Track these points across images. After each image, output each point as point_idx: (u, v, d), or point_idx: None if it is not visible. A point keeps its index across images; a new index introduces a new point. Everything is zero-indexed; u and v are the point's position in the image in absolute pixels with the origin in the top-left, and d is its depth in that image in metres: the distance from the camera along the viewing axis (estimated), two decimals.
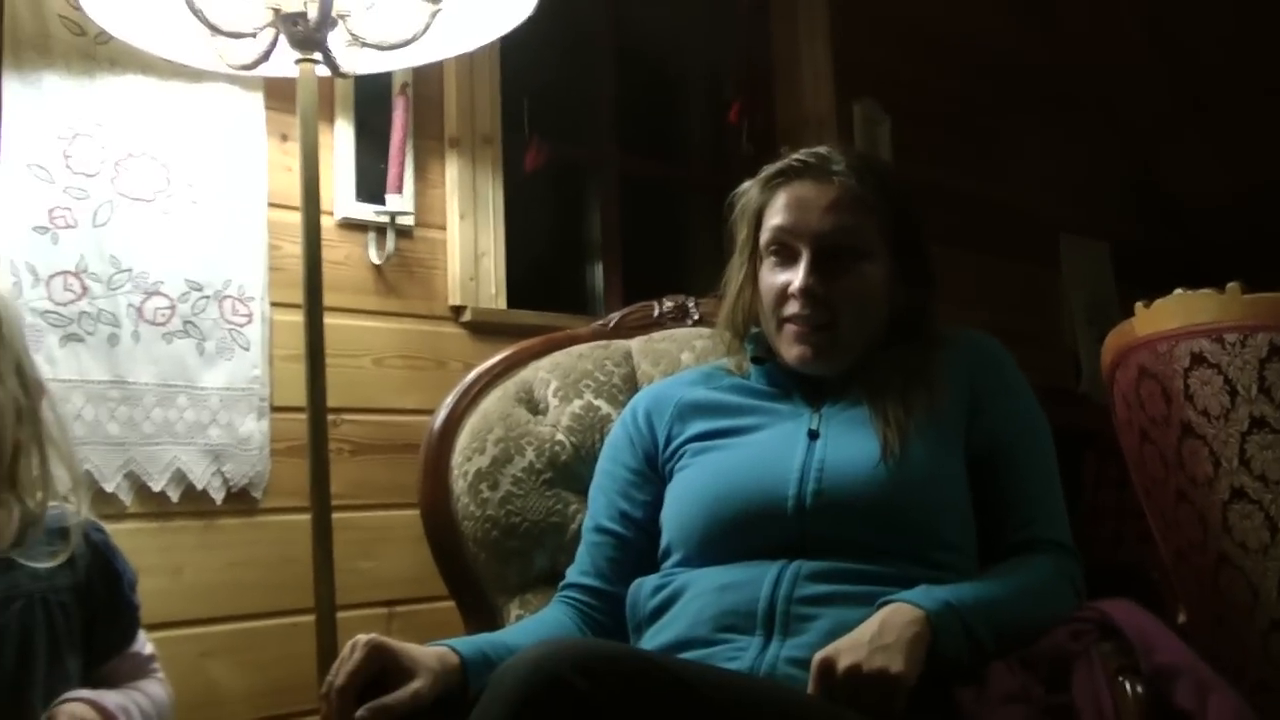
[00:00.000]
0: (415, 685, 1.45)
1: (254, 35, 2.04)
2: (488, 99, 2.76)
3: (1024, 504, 1.68)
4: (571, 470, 1.97)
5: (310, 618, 2.06)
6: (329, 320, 2.38)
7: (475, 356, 2.61)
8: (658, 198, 3.52)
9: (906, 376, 1.68)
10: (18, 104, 2.17)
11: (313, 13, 2.01)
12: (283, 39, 2.06)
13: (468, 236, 2.69)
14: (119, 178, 2.26)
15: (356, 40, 2.09)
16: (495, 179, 2.75)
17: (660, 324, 2.19)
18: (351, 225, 2.57)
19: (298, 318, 2.20)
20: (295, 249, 2.37)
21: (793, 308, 1.68)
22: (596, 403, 2.03)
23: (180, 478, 2.28)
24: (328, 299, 2.38)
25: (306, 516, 2.10)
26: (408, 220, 2.62)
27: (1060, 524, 1.69)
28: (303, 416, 2.14)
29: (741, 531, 1.63)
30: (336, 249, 2.52)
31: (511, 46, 2.59)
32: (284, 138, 2.47)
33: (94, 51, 2.24)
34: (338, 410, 2.45)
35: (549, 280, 3.04)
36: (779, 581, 1.55)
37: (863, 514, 1.59)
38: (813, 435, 1.67)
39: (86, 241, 2.21)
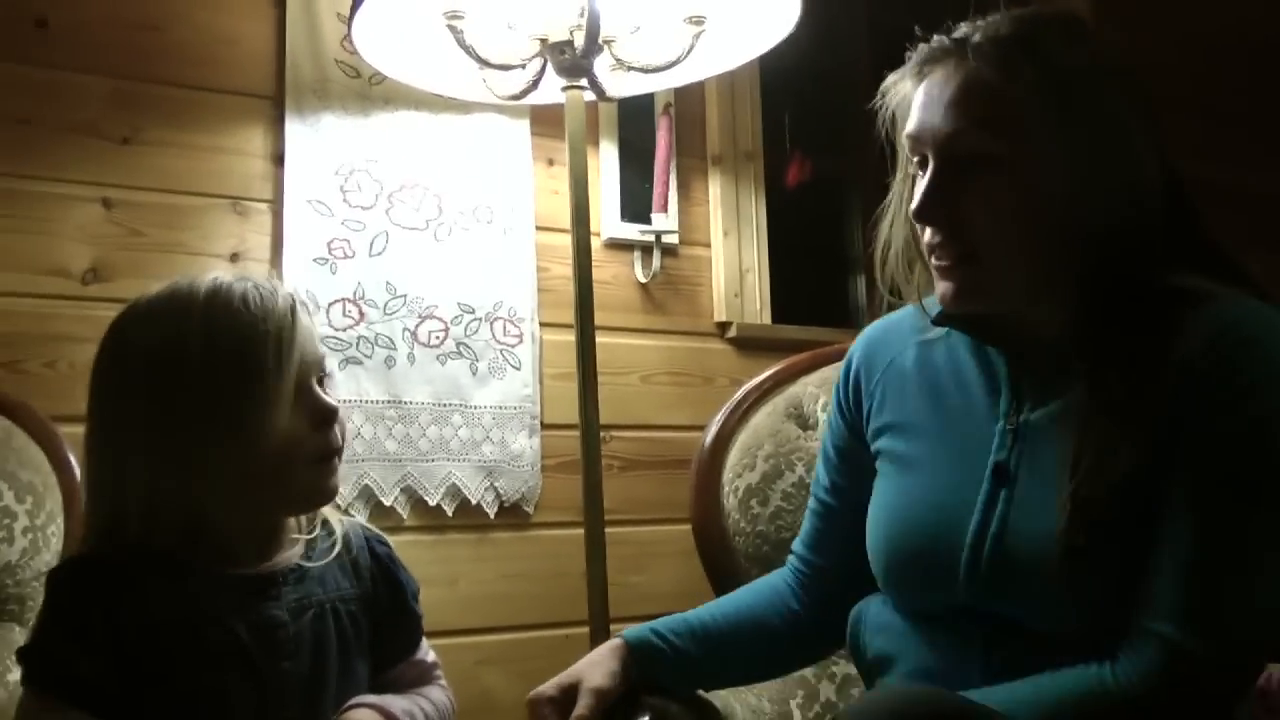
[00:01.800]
0: (592, 684, 1.42)
1: (522, 66, 2.11)
2: (749, 116, 2.77)
3: (1159, 577, 1.20)
4: None
5: (581, 629, 2.10)
6: (597, 339, 2.45)
7: (741, 372, 2.64)
8: None
9: (1128, 396, 1.24)
10: (299, 145, 2.30)
11: (579, 41, 2.05)
12: (549, 68, 2.11)
13: (732, 253, 2.71)
14: (393, 209, 2.36)
15: (621, 65, 2.13)
16: (758, 195, 2.76)
17: None
18: (618, 245, 2.62)
19: (567, 337, 2.28)
20: (563, 270, 2.45)
21: (926, 235, 1.35)
22: None
23: (455, 492, 2.37)
24: (595, 318, 2.45)
25: (577, 531, 2.15)
26: (673, 239, 2.65)
27: (1204, 617, 1.19)
28: (573, 433, 2.18)
29: (917, 588, 1.39)
30: (603, 269, 2.57)
31: (772, 62, 2.59)
32: (550, 162, 2.53)
33: (369, 92, 2.36)
34: (607, 427, 2.50)
35: (812, 294, 3.03)
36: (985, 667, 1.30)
37: (1038, 600, 1.27)
38: (999, 475, 1.32)
39: (363, 270, 2.32)
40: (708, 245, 2.72)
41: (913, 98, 1.35)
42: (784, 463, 1.96)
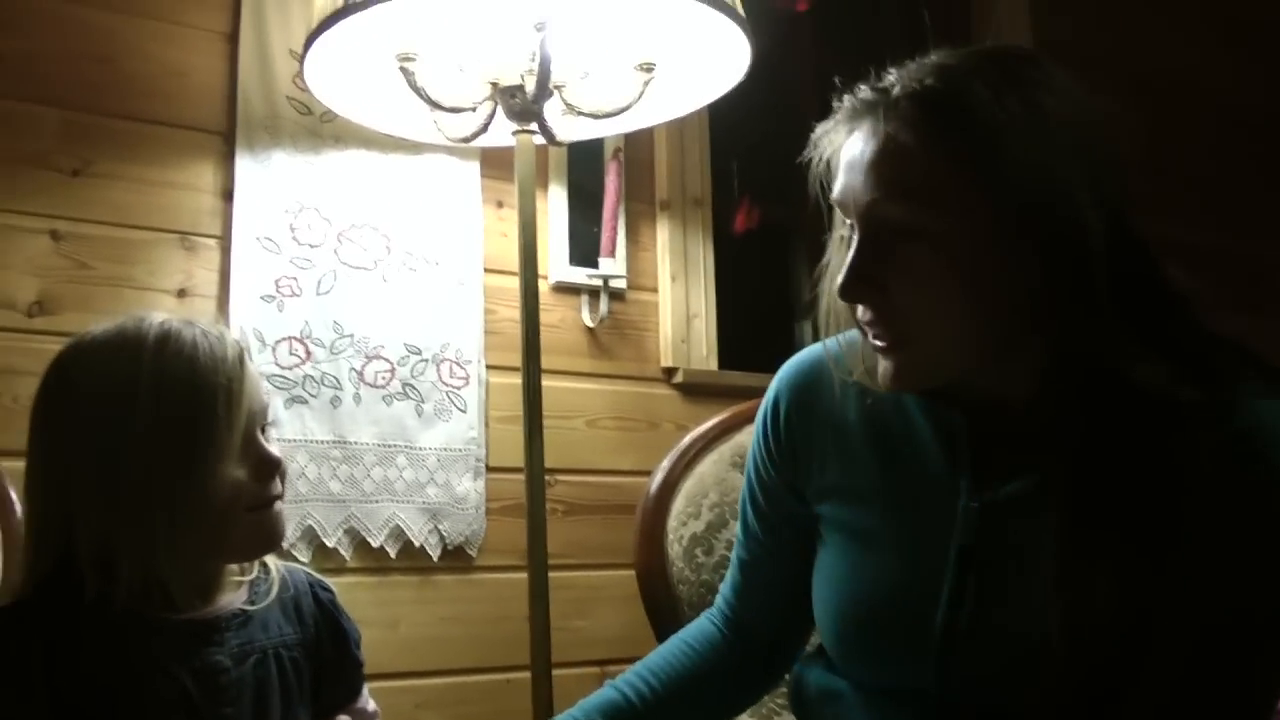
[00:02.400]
0: None
1: (473, 110, 2.11)
2: (698, 162, 2.80)
3: (1152, 679, 1.11)
4: None
5: (523, 674, 2.07)
6: (544, 382, 2.45)
7: (687, 418, 2.66)
8: None
9: (1122, 506, 1.10)
10: (249, 181, 2.29)
11: (530, 86, 2.05)
12: (500, 111, 2.12)
13: (679, 298, 2.72)
14: (341, 248, 2.35)
15: (572, 110, 2.14)
16: (706, 241, 2.78)
17: None
18: (565, 289, 2.62)
19: (514, 380, 2.26)
20: (511, 313, 2.45)
21: (858, 311, 1.21)
22: None
23: (399, 534, 2.35)
24: (542, 361, 2.46)
25: (521, 575, 2.14)
26: (620, 283, 2.66)
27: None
28: (518, 477, 2.17)
29: (877, 668, 1.30)
30: (551, 312, 2.57)
31: (721, 109, 2.62)
32: (499, 204, 2.54)
33: (320, 129, 2.35)
34: (553, 471, 2.50)
35: (759, 341, 3.04)
36: None
37: (1018, 692, 1.17)
38: (965, 559, 1.22)
39: (311, 309, 2.31)
40: (655, 290, 2.73)
41: (836, 158, 1.22)
42: (729, 512, 1.97)
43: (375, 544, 2.32)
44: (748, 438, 2.03)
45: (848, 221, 1.21)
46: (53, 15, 2.19)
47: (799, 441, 1.40)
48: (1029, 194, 1.11)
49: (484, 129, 2.14)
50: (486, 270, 2.51)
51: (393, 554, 2.34)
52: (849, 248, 1.19)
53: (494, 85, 2.11)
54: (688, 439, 2.08)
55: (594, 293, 2.63)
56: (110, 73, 2.23)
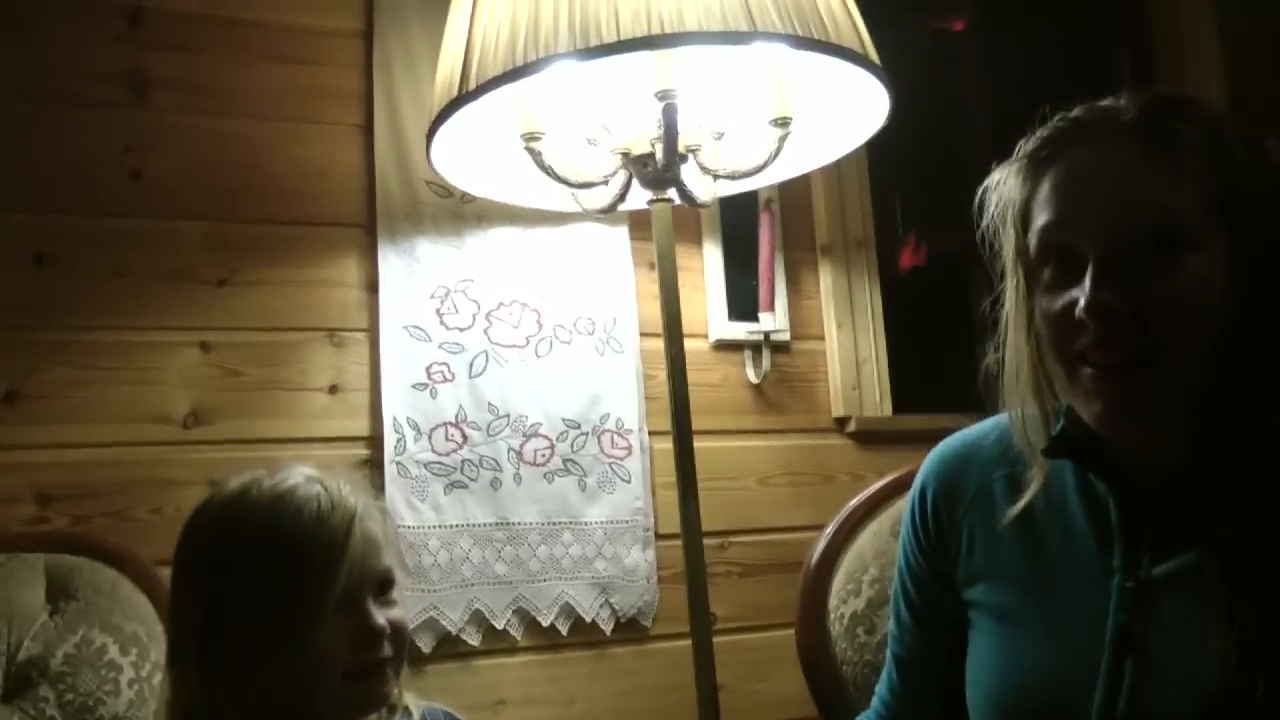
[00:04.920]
0: None
1: (605, 183, 2.07)
2: (858, 202, 2.69)
3: None
4: None
5: None
6: (709, 443, 2.42)
7: (862, 467, 2.58)
8: None
9: None
10: (392, 272, 2.30)
11: (660, 154, 2.01)
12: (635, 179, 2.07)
13: (847, 345, 2.63)
14: (491, 328, 2.34)
15: (708, 172, 2.08)
16: (871, 282, 2.68)
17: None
18: (726, 346, 2.55)
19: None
20: None
21: (1084, 338, 1.15)
22: None
23: (569, 611, 2.32)
24: (707, 422, 2.43)
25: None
26: (783, 336, 2.58)
27: None
28: None
29: None
30: (712, 371, 2.52)
31: (877, 142, 2.53)
32: (652, 266, 2.45)
33: (461, 211, 2.34)
34: (724, 533, 2.47)
35: (936, 380, 2.92)
36: None
37: None
38: (1124, 644, 1.18)
39: (464, 393, 2.30)
40: (821, 338, 2.64)
41: (1037, 190, 1.21)
42: (889, 586, 1.86)
43: (545, 623, 2.30)
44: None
45: (1050, 258, 1.19)
46: (191, 131, 2.24)
47: (945, 527, 1.39)
48: (1264, 244, 1.13)
49: (621, 198, 2.10)
50: (642, 334, 2.46)
51: (564, 631, 2.32)
52: (1061, 283, 1.17)
53: (625, 155, 2.06)
54: (848, 508, 2.00)
55: (756, 348, 2.55)
56: (251, 179, 2.26)
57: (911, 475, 1.93)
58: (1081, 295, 1.13)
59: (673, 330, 2.06)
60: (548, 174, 2.03)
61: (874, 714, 1.53)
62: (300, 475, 1.36)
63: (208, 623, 1.30)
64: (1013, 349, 1.26)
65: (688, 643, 2.33)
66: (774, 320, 2.53)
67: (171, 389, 2.16)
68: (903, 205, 2.83)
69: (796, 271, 2.64)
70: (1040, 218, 1.19)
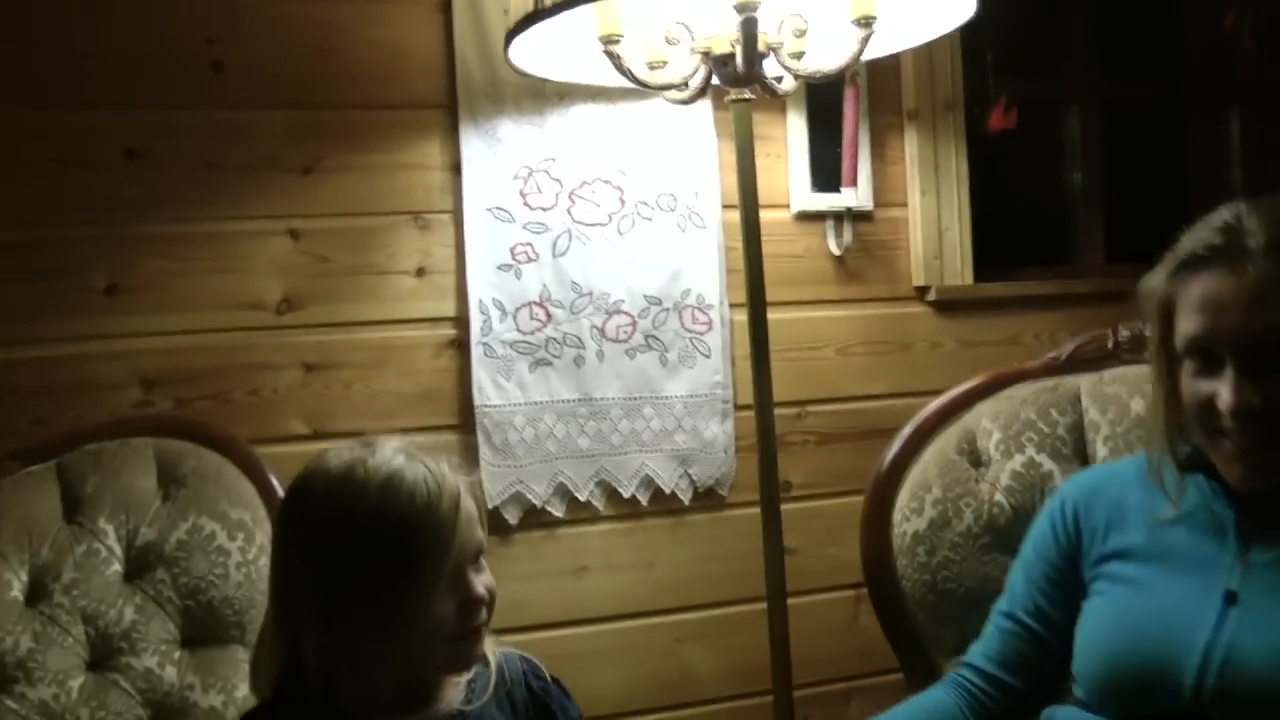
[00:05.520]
0: None
1: (684, 85, 2.04)
2: (948, 64, 2.61)
3: None
4: (1010, 533, 1.89)
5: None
6: (789, 314, 2.49)
7: (941, 335, 2.62)
8: (1144, 130, 3.21)
9: None
10: (475, 153, 2.32)
11: (739, 60, 1.97)
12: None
13: (930, 213, 2.60)
14: (574, 206, 2.36)
15: (790, 71, 2.04)
16: (959, 147, 2.62)
17: (1116, 356, 2.03)
18: (808, 217, 2.54)
19: None
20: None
21: (1225, 422, 1.42)
22: (1039, 459, 1.94)
23: (648, 483, 2.42)
24: (787, 293, 2.48)
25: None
26: (866, 206, 2.56)
27: None
28: None
29: (1138, 697, 1.48)
30: (794, 242, 2.53)
31: None
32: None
33: (543, 89, 2.32)
34: (802, 403, 2.54)
35: (1023, 239, 2.89)
36: None
37: (1272, 712, 1.38)
38: (1229, 599, 1.44)
39: (548, 272, 2.34)
40: (905, 205, 2.61)
41: (1180, 297, 1.45)
42: (951, 509, 1.92)
43: (626, 494, 2.40)
44: (975, 420, 2.01)
45: (1194, 356, 1.44)
46: (268, 17, 2.25)
47: (1083, 526, 1.64)
48: None
49: (702, 92, 2.08)
50: (725, 206, 2.45)
51: (644, 502, 2.42)
52: (1204, 374, 1.43)
53: (705, 54, 2.03)
54: (914, 423, 2.03)
55: (838, 218, 2.55)
56: (332, 64, 2.27)
57: (978, 391, 2.02)
58: (1225, 393, 1.40)
59: (750, 218, 2.05)
60: (627, 77, 2.01)
61: (960, 689, 1.69)
62: (401, 456, 1.43)
63: (323, 592, 1.39)
64: (1153, 398, 1.54)
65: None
66: (855, 195, 2.52)
67: (263, 276, 2.24)
68: (994, 62, 2.73)
69: (882, 137, 2.60)
70: (1186, 326, 1.44)
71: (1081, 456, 1.96)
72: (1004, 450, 1.96)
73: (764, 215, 2.43)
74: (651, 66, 2.05)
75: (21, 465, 2.01)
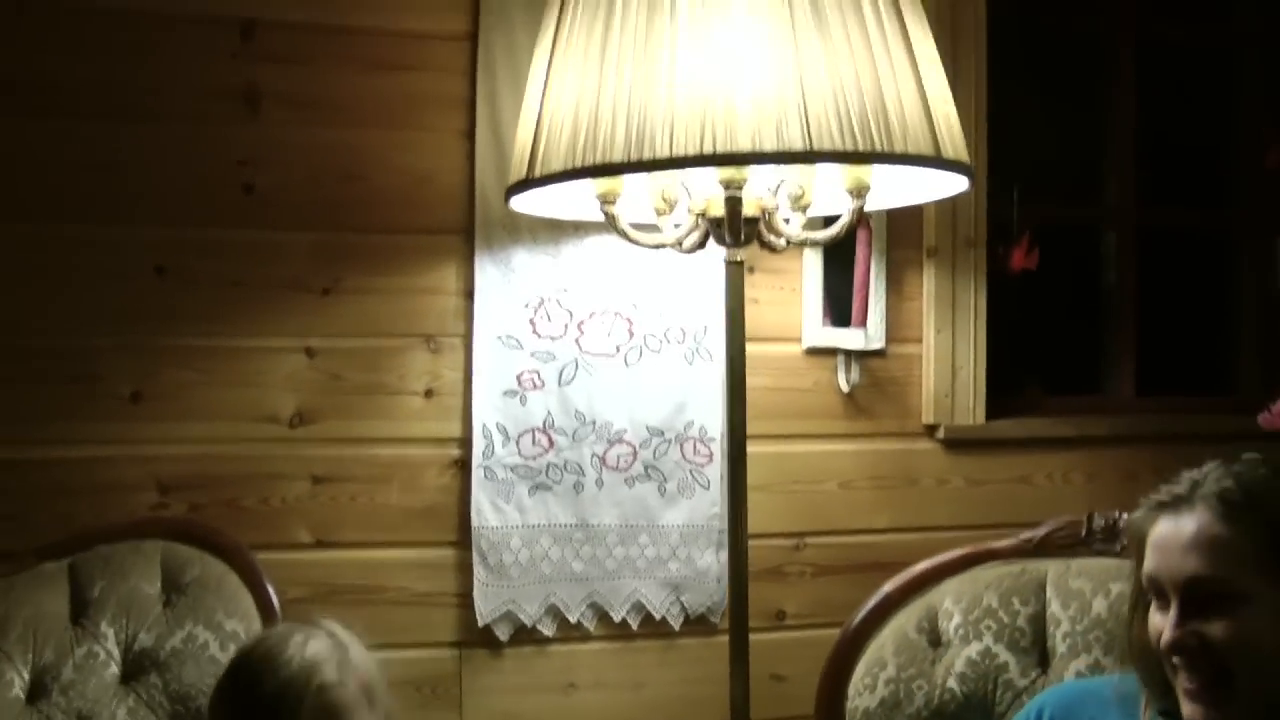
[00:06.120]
0: None
1: (679, 244, 2.09)
2: (971, 201, 2.58)
3: None
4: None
5: None
6: (796, 447, 2.58)
7: (949, 473, 2.66)
8: (1178, 258, 3.14)
9: None
10: (488, 282, 2.39)
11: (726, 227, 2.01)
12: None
13: (944, 350, 2.61)
14: (583, 336, 2.43)
15: (782, 236, 2.07)
16: (978, 285, 2.62)
17: (1088, 544, 2.04)
18: (820, 352, 2.57)
19: (763, 449, 2.42)
20: (761, 381, 2.49)
21: (1174, 660, 1.48)
22: (995, 649, 1.96)
23: (639, 608, 2.48)
24: (795, 426, 2.56)
25: (765, 636, 2.36)
26: (876, 345, 2.58)
27: None
28: (767, 542, 2.42)
29: None
30: (804, 376, 2.56)
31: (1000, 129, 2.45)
32: (749, 270, 2.48)
33: (558, 220, 2.37)
34: (801, 534, 2.58)
35: (1053, 369, 2.88)
36: None
37: None
38: None
39: (553, 399, 2.42)
40: (919, 342, 2.62)
41: (1148, 535, 1.51)
42: (903, 690, 1.96)
43: (617, 618, 2.46)
44: (939, 599, 2.05)
45: (1151, 593, 1.51)
46: (300, 143, 2.34)
47: None
48: None
49: (702, 245, 2.12)
50: None
51: (634, 626, 2.48)
52: (1160, 609, 1.49)
53: (700, 215, 2.07)
54: (880, 593, 2.07)
55: (849, 354, 2.57)
56: (357, 190, 2.37)
57: (946, 569, 2.05)
58: (1165, 630, 1.46)
59: (735, 369, 2.08)
60: (622, 236, 2.06)
61: None
62: (296, 662, 1.60)
63: None
64: (1136, 631, 1.56)
65: (756, 637, 2.47)
66: (864, 337, 2.54)
67: (279, 391, 2.35)
68: (1020, 200, 2.72)
69: (900, 272, 2.61)
70: (1145, 564, 1.51)
71: (1040, 649, 1.98)
72: (962, 635, 1.99)
73: (774, 349, 2.50)
74: (659, 212, 2.09)
75: (39, 560, 2.15)
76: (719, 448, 2.48)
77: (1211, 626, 1.43)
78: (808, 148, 1.80)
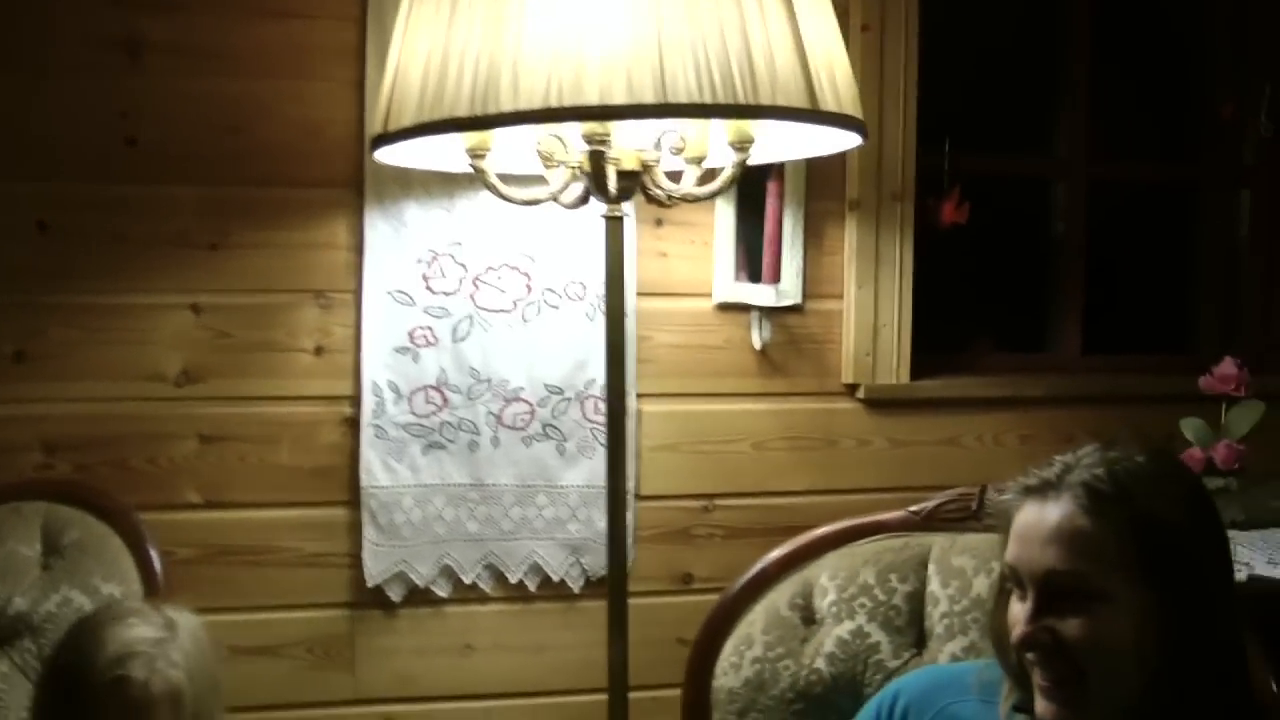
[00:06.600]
0: None
1: (553, 199, 2.00)
2: (899, 152, 2.48)
3: None
4: (827, 702, 1.88)
5: (672, 692, 2.07)
6: (705, 406, 2.48)
7: (871, 433, 2.56)
8: (1135, 212, 3.03)
9: None
10: (378, 237, 2.32)
11: (612, 179, 1.92)
12: None
13: (865, 308, 2.50)
14: (479, 292, 2.35)
15: (661, 190, 1.98)
16: (903, 239, 2.50)
17: (978, 518, 1.94)
18: (732, 308, 2.48)
19: (669, 407, 2.39)
20: (668, 338, 2.43)
21: (1028, 654, 1.42)
22: (868, 629, 1.89)
23: (538, 569, 2.42)
24: (704, 384, 2.48)
25: (668, 599, 2.35)
26: (791, 301, 2.48)
27: None
28: (672, 504, 2.37)
29: None
30: (715, 333, 2.47)
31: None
32: (658, 223, 2.42)
33: (453, 174, 2.28)
34: (711, 495, 2.49)
35: (966, 339, 2.77)
36: None
37: None
38: None
39: (446, 357, 2.35)
40: (840, 298, 2.52)
41: (1011, 522, 1.43)
42: (769, 671, 1.89)
43: (513, 580, 2.41)
44: (816, 573, 1.97)
45: (1011, 582, 1.44)
46: (184, 94, 2.27)
47: None
48: (1178, 603, 1.36)
49: (585, 201, 2.03)
50: (641, 294, 2.41)
51: (532, 588, 2.43)
52: (1019, 599, 1.42)
53: (577, 169, 1.98)
54: (756, 568, 2.00)
55: (762, 310, 2.47)
56: (244, 142, 2.29)
57: (822, 543, 1.97)
58: (1020, 624, 1.39)
59: (615, 368, 2.00)
60: (492, 190, 1.98)
61: None
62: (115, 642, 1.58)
63: None
64: (997, 620, 1.48)
65: (661, 600, 2.44)
66: (775, 294, 2.44)
67: (165, 349, 2.30)
68: (952, 153, 2.60)
69: (820, 225, 2.50)
70: (1007, 551, 1.43)
71: (917, 629, 1.91)
72: (835, 613, 1.91)
73: (684, 304, 2.43)
74: (547, 165, 2.00)
75: None
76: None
77: (1067, 624, 1.36)
78: (661, 101, 1.70)
